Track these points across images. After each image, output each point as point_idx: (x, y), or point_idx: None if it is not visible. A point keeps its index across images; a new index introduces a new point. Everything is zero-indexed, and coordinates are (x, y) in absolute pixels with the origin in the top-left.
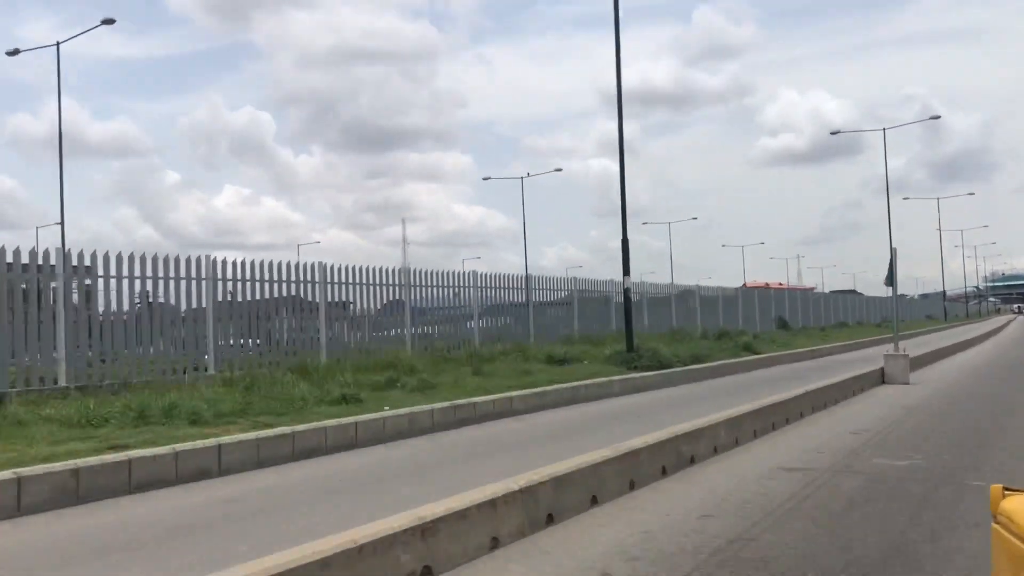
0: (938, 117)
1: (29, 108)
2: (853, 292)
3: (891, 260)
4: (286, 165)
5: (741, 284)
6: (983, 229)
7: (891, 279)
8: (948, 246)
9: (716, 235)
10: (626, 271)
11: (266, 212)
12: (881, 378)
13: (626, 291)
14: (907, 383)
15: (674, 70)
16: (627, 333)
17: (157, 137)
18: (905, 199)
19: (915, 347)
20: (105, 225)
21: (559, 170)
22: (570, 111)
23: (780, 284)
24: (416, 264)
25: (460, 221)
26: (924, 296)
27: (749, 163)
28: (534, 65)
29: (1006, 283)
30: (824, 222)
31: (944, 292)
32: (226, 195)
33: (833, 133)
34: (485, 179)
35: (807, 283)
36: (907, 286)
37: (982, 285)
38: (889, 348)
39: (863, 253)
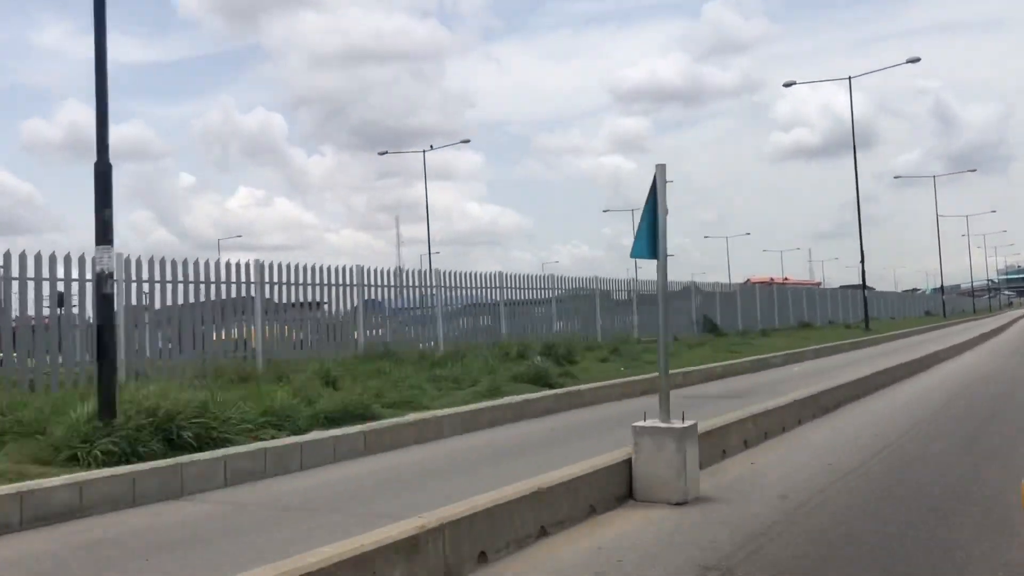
0: (917, 60)
1: (43, 113)
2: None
3: (652, 190)
4: (299, 166)
5: (745, 280)
6: (995, 220)
7: (650, 244)
8: (956, 236)
9: (730, 230)
10: (102, 236)
11: (280, 213)
12: (627, 487)
13: (100, 278)
14: (684, 501)
15: (684, 66)
16: (99, 376)
17: (171, 140)
18: (896, 178)
19: (868, 360)
20: (120, 228)
21: (467, 141)
22: (581, 109)
23: (786, 279)
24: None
25: (472, 220)
26: (936, 290)
27: (762, 158)
28: (544, 63)
29: (1022, 275)
30: (838, 216)
31: (942, 285)
32: (240, 197)
33: (786, 85)
34: (381, 153)
35: (820, 278)
36: (917, 279)
37: (996, 278)
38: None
39: (878, 247)
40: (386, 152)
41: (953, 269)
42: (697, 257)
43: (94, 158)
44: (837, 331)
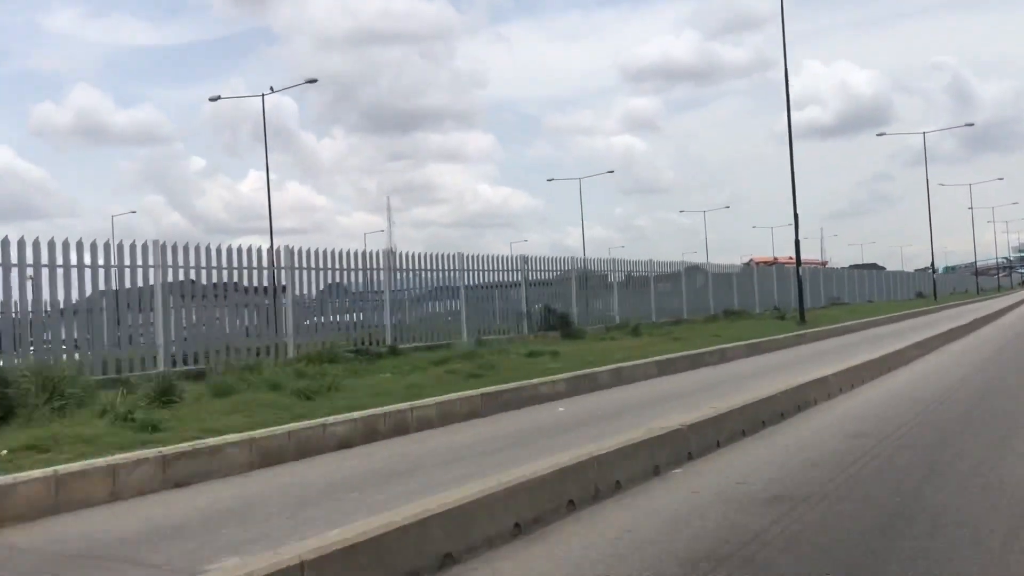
0: None
1: (53, 97)
2: (874, 266)
3: None
4: (309, 149)
5: (748, 260)
6: (1010, 197)
7: None
8: (969, 213)
9: (744, 211)
10: None
11: (291, 196)
12: None
13: None
14: None
15: (696, 44)
16: None
17: (181, 124)
18: (880, 135)
19: (734, 383)
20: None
21: (313, 80)
22: (592, 89)
23: (790, 258)
24: (438, 247)
25: (484, 202)
26: (952, 269)
27: (776, 137)
28: (554, 43)
29: None
30: (853, 196)
31: (933, 263)
32: (251, 180)
33: None
34: (213, 99)
35: (828, 257)
36: (926, 258)
37: (1012, 255)
38: None
39: (893, 226)
40: (218, 97)
41: (967, 247)
42: (712, 237)
43: (104, 142)
44: (760, 325)
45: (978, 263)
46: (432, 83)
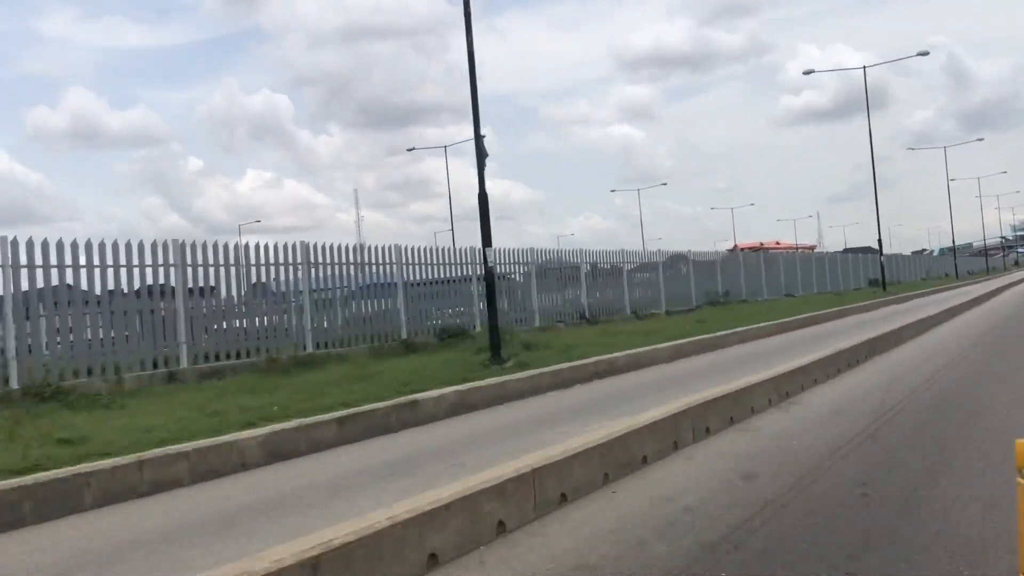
0: None
1: (49, 101)
2: (869, 249)
3: None
4: (306, 146)
5: (732, 246)
6: (1010, 178)
7: None
8: (970, 195)
9: (742, 197)
10: None
11: (290, 195)
12: None
13: None
14: None
15: (691, 30)
16: None
17: (177, 125)
18: (807, 72)
19: None
20: (132, 215)
21: None
22: (588, 78)
23: (777, 243)
24: (440, 241)
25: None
26: (948, 250)
27: (773, 122)
28: (548, 33)
29: None
30: (852, 179)
31: (880, 247)
32: (249, 179)
33: None
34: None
35: (821, 241)
36: (924, 240)
37: (1010, 235)
38: None
39: (894, 209)
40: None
41: (968, 228)
42: (713, 226)
43: (100, 146)
44: (410, 369)
45: (975, 243)
46: (426, 77)
